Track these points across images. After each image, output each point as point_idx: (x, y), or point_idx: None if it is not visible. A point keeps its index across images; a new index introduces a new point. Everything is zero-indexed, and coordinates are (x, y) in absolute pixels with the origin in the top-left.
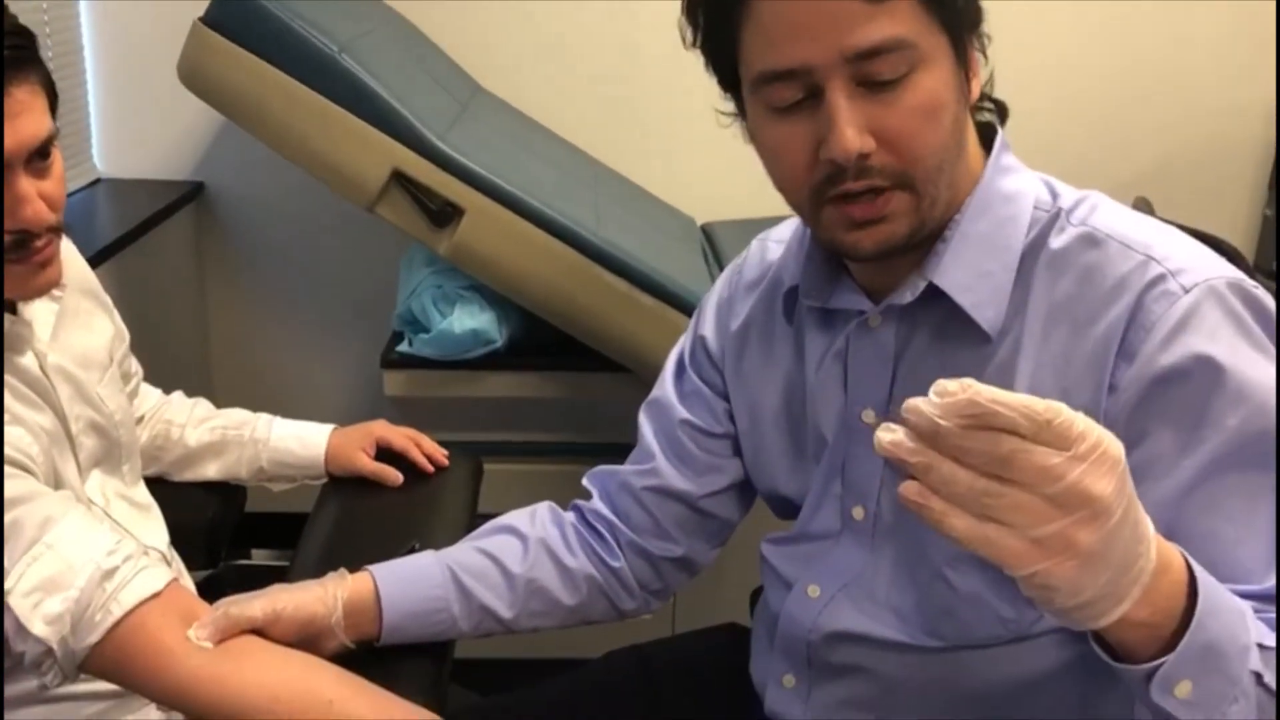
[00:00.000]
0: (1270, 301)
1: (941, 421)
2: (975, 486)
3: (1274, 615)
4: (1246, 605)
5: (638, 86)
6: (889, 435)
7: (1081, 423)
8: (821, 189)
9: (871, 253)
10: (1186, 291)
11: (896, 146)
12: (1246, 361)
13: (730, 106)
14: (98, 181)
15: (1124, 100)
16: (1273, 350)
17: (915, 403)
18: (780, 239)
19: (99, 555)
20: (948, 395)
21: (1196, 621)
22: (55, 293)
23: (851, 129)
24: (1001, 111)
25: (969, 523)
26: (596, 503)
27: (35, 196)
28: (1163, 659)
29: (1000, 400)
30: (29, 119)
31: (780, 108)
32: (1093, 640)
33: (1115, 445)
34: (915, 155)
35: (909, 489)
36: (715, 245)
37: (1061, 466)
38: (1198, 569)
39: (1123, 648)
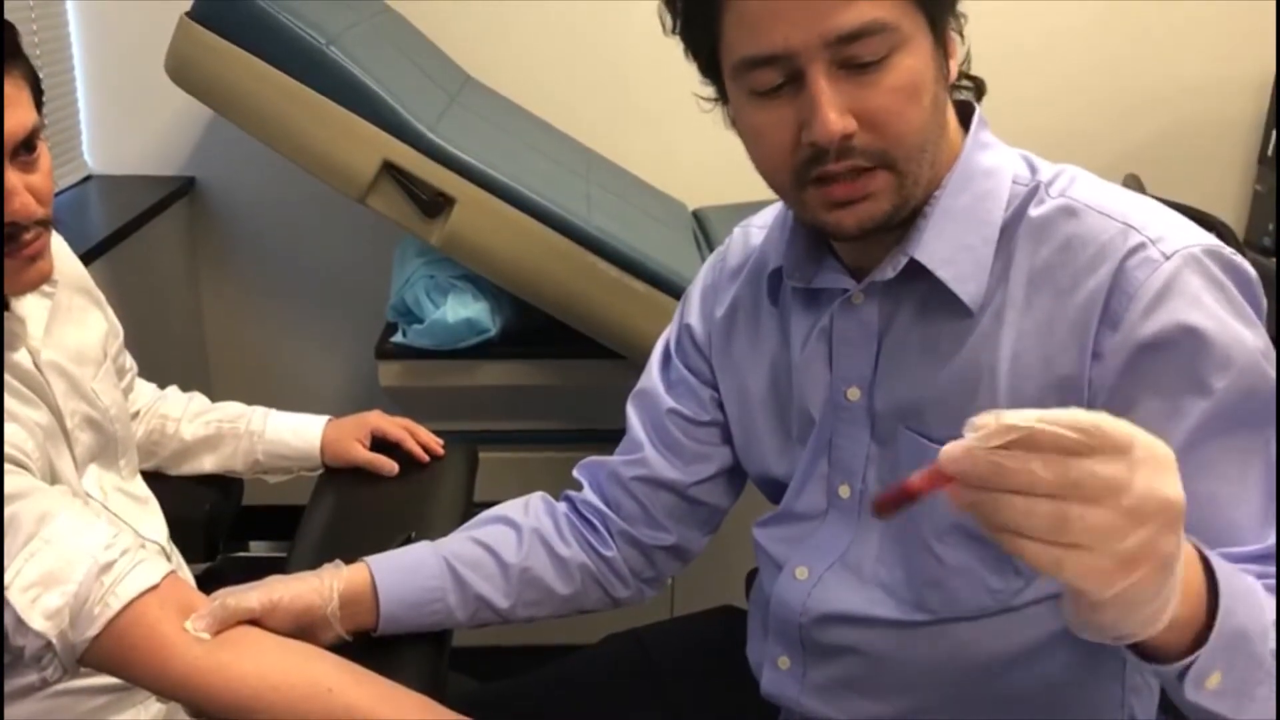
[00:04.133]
0: (1248, 267)
1: (1005, 461)
2: (1050, 515)
3: (1274, 578)
4: (1255, 582)
5: (628, 73)
6: (958, 499)
7: (1125, 425)
8: (803, 171)
9: (854, 231)
10: (1167, 258)
11: (878, 127)
12: (1229, 327)
13: (710, 92)
14: (89, 178)
15: (1115, 77)
16: (1252, 314)
17: (954, 449)
18: (762, 224)
19: (96, 549)
20: (985, 428)
21: (1223, 610)
22: (47, 289)
23: (834, 112)
24: (979, 89)
25: (1045, 550)
26: (587, 493)
27: (22, 189)
28: (1194, 654)
29: (1047, 418)
30: (13, 112)
31: (761, 92)
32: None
33: (1160, 444)
34: (897, 135)
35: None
36: (707, 230)
37: (1128, 475)
38: (1209, 553)
39: (1155, 648)
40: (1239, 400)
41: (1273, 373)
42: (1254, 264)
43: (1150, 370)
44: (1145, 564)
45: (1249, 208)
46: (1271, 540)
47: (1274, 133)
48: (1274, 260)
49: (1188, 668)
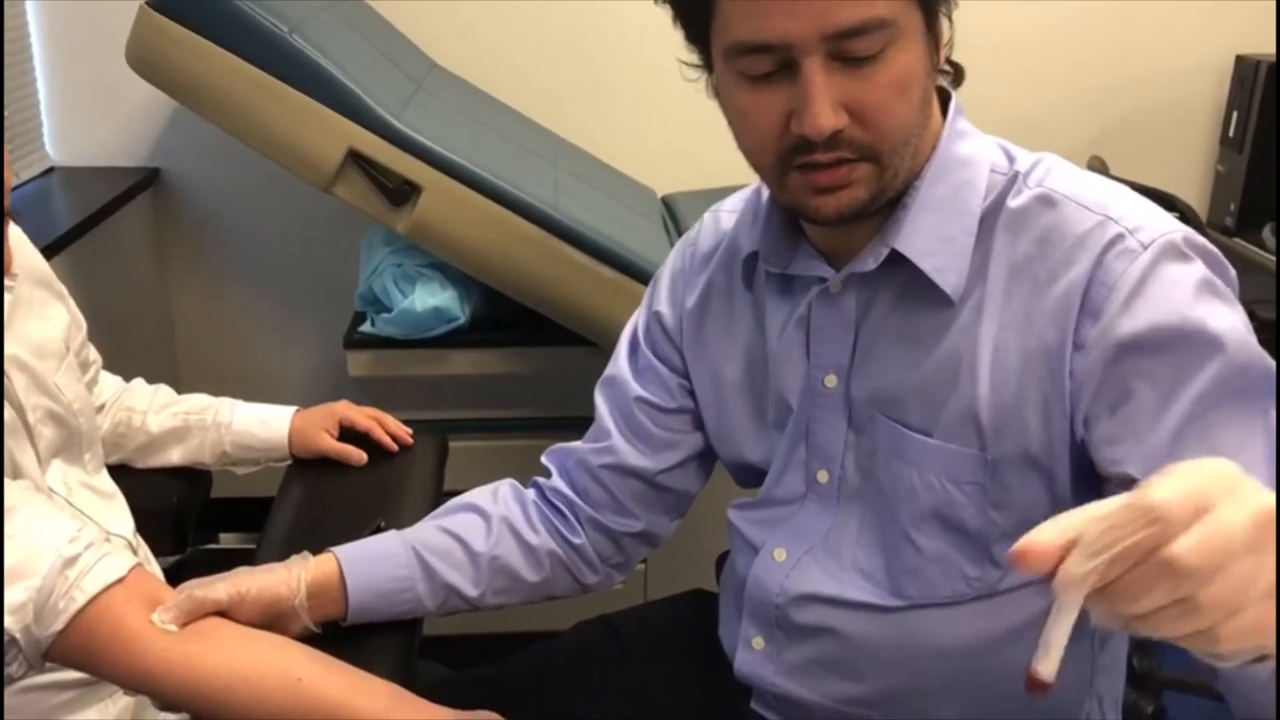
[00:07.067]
0: (1220, 254)
1: (1115, 599)
2: (1181, 614)
3: None
4: None
5: (596, 60)
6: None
7: (1180, 482)
8: (789, 157)
9: (833, 218)
10: (1145, 248)
11: (867, 121)
12: (1210, 310)
13: (695, 59)
14: (51, 170)
15: (1078, 61)
16: (1231, 295)
17: (1067, 578)
18: (733, 209)
19: (60, 543)
20: (1066, 579)
21: None
22: (8, 282)
23: (826, 107)
24: (957, 75)
25: (1198, 639)
26: (556, 480)
27: None
28: None
29: (1106, 540)
30: None
31: (753, 76)
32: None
33: (1217, 464)
34: (885, 130)
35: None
36: (676, 216)
37: (1223, 525)
38: None
39: None
40: (1232, 376)
41: (1257, 345)
42: (1217, 244)
43: (1139, 362)
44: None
45: (1211, 188)
46: None
47: (1235, 114)
48: (1237, 240)
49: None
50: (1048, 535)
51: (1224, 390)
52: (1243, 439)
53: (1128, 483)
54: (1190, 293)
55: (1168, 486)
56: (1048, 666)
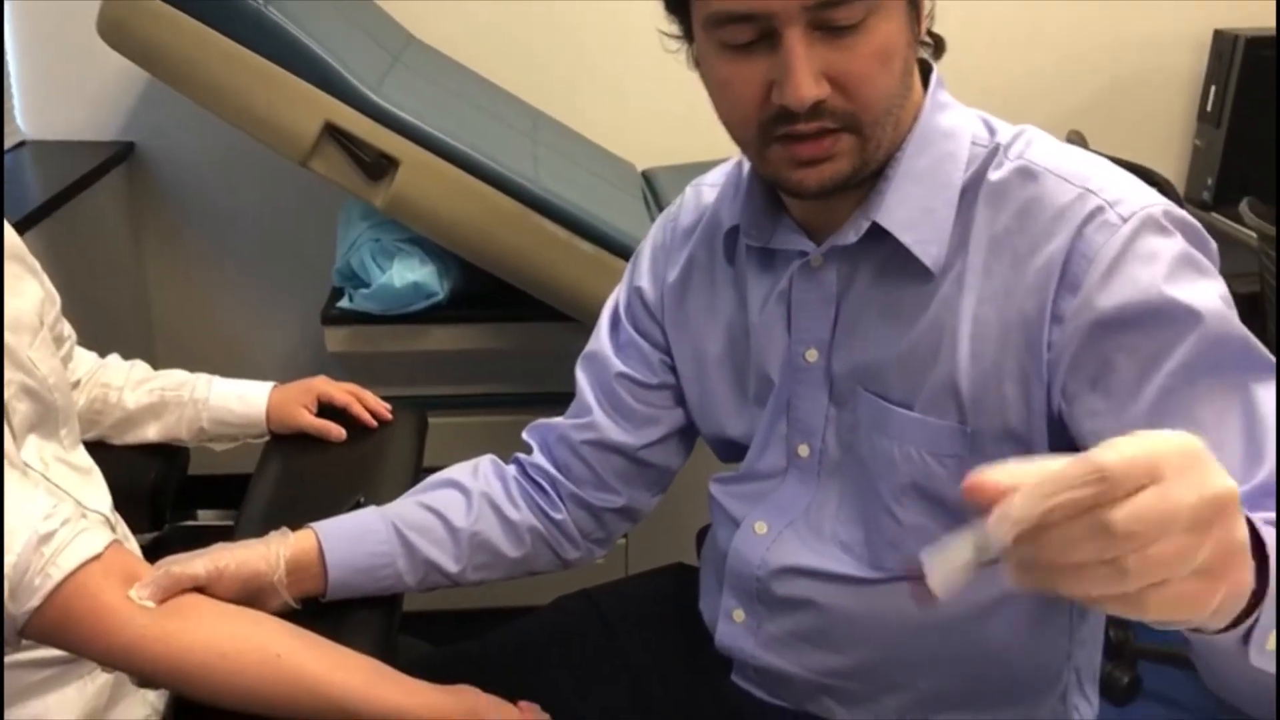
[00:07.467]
0: (1200, 227)
1: (1043, 547)
2: (1108, 575)
3: (1266, 513)
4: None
5: (576, 33)
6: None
7: (1138, 444)
8: (770, 127)
9: (815, 191)
10: (1125, 221)
11: (849, 91)
12: (1189, 284)
13: (675, 29)
14: (22, 144)
15: (1057, 35)
16: (1211, 268)
17: (1002, 513)
18: (714, 183)
19: (35, 519)
20: (1002, 523)
21: (1272, 560)
22: None
23: (808, 77)
24: (938, 46)
25: (1124, 602)
26: (537, 456)
27: None
28: (1254, 614)
29: (1047, 486)
30: None
31: (733, 45)
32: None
33: (1179, 437)
34: (867, 100)
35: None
36: (656, 191)
37: (1171, 496)
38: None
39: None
40: (1210, 348)
41: (1236, 319)
42: (1195, 218)
43: (1117, 339)
44: (1230, 564)
45: (1188, 162)
46: (1259, 478)
47: (1213, 88)
48: (1214, 214)
49: (1250, 629)
50: (1000, 475)
51: (1202, 364)
52: (1221, 413)
53: None
54: (1169, 266)
55: (1121, 448)
56: (943, 584)
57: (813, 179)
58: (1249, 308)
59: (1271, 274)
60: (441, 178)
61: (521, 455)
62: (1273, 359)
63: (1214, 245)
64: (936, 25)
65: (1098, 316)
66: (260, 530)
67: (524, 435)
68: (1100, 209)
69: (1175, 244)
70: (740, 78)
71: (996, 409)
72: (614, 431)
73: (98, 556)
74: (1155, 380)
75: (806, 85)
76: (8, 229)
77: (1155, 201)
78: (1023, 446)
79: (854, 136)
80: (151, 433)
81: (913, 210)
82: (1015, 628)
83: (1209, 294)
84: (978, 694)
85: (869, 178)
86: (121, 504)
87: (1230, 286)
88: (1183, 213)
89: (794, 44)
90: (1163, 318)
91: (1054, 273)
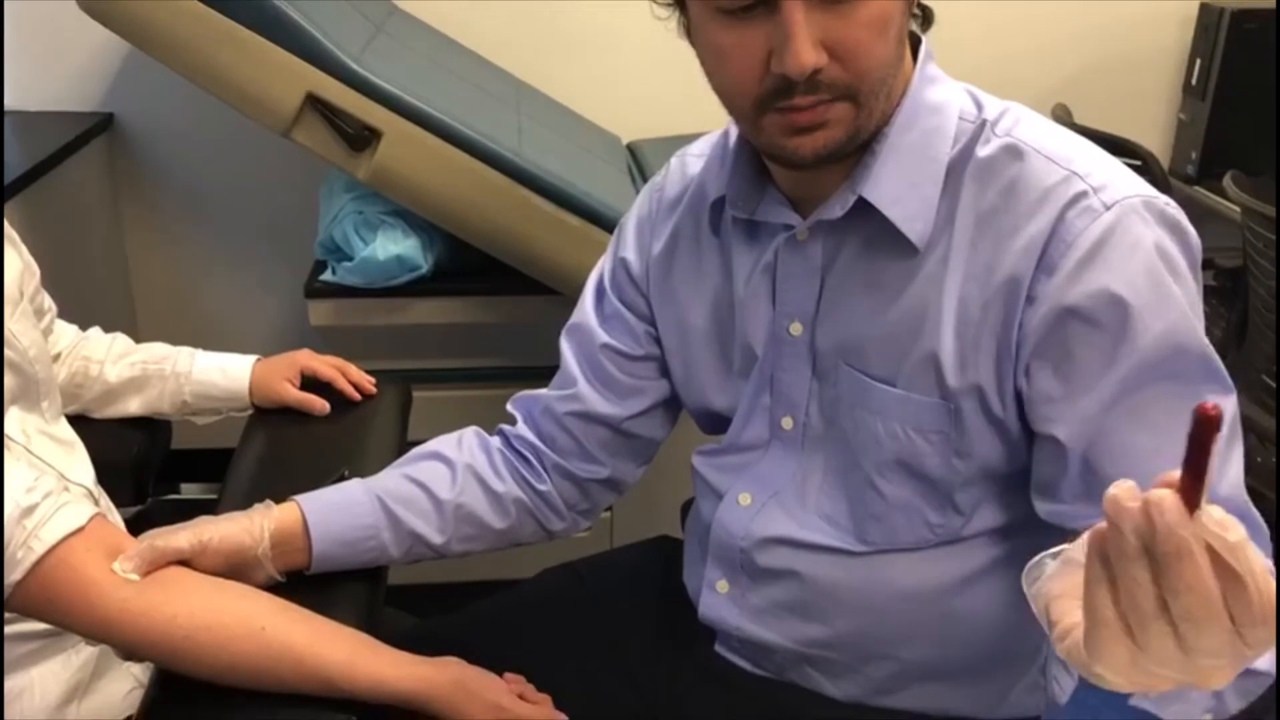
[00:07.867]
0: (1182, 217)
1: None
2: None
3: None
4: None
5: (561, 4)
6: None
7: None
8: (768, 99)
9: (809, 159)
10: (1107, 208)
11: (846, 60)
12: (1160, 284)
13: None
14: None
15: (1043, 8)
16: (1185, 267)
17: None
18: (699, 153)
19: (17, 493)
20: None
21: None
22: None
23: (808, 44)
24: (926, 18)
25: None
26: (521, 427)
27: None
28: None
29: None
30: None
31: (729, 10)
32: None
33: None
34: (864, 69)
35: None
36: (641, 163)
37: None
38: None
39: None
40: (1169, 355)
41: (1199, 327)
42: (1179, 192)
43: (1081, 331)
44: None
45: (1173, 137)
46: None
47: (1198, 62)
48: (1198, 188)
49: None
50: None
51: (1159, 369)
52: (1169, 419)
53: (1054, 444)
54: (1143, 264)
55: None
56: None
57: (808, 147)
58: (1232, 282)
59: (1254, 249)
60: (424, 149)
61: (506, 427)
62: (1230, 381)
63: (1195, 238)
64: None
65: (1068, 304)
66: (244, 504)
67: (509, 407)
68: (1084, 193)
69: (1153, 238)
70: (736, 45)
71: (975, 386)
72: (598, 403)
73: (80, 529)
74: (1112, 376)
75: (806, 52)
76: None
77: (1138, 191)
78: (998, 423)
79: (849, 104)
80: (133, 406)
81: (899, 185)
82: (996, 600)
83: (1176, 297)
84: (959, 665)
85: (856, 151)
86: (104, 477)
87: (1214, 261)
88: (1165, 203)
89: (793, 11)
90: (1127, 316)
91: (1034, 253)
